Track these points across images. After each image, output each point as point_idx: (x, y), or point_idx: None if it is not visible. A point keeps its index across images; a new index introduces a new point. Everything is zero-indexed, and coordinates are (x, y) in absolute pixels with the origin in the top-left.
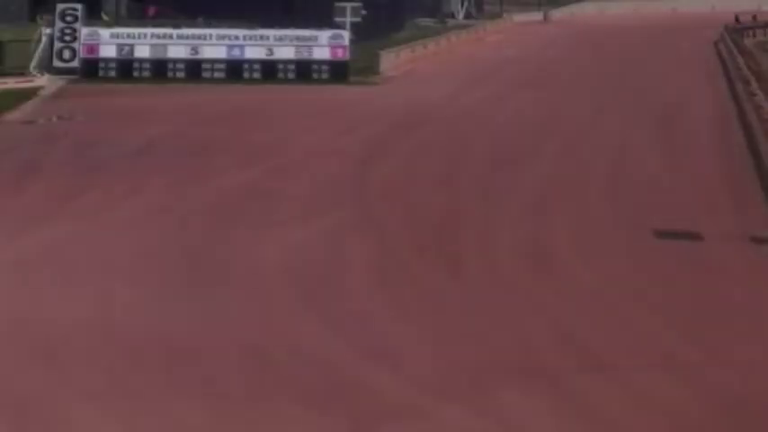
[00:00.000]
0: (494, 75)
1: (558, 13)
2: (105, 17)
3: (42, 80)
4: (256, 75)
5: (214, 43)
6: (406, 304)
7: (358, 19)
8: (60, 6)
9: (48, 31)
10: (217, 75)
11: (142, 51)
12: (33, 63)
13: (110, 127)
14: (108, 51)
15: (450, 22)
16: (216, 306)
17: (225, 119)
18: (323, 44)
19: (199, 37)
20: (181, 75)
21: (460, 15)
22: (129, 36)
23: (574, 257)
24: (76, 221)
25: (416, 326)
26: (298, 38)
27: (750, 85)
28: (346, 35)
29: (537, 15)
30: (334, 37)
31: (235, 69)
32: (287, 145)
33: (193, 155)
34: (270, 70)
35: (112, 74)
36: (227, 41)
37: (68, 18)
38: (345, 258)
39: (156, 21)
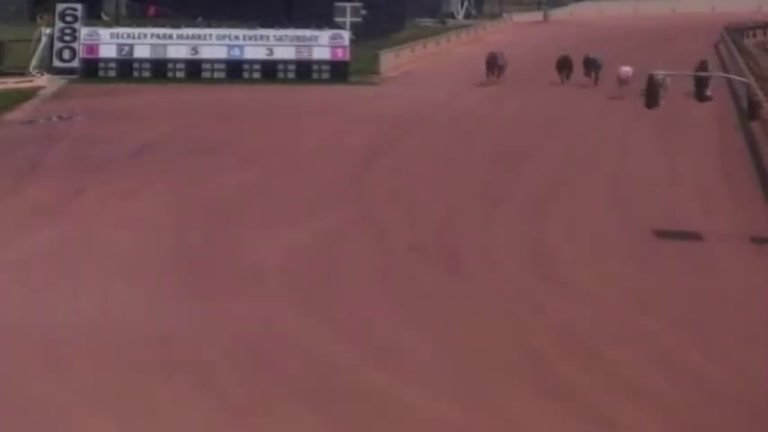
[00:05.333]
0: None
1: (557, 14)
2: (105, 17)
3: (42, 80)
4: (256, 75)
5: (214, 43)
6: (407, 305)
7: (358, 19)
8: (60, 6)
9: (48, 31)
10: (217, 75)
11: (142, 51)
12: (33, 63)
13: (110, 127)
14: (108, 51)
15: (450, 22)
16: (216, 306)
17: (225, 119)
18: (323, 44)
19: (199, 37)
20: (181, 75)
21: (460, 15)
22: (129, 36)
23: (574, 258)
24: (76, 221)
25: (417, 327)
26: (298, 38)
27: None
28: (346, 35)
29: (536, 15)
30: (334, 37)
31: (235, 69)
32: (287, 145)
33: (193, 155)
34: (270, 70)
35: (112, 74)
36: (227, 41)
37: (68, 18)
38: (346, 258)
39: (156, 21)
